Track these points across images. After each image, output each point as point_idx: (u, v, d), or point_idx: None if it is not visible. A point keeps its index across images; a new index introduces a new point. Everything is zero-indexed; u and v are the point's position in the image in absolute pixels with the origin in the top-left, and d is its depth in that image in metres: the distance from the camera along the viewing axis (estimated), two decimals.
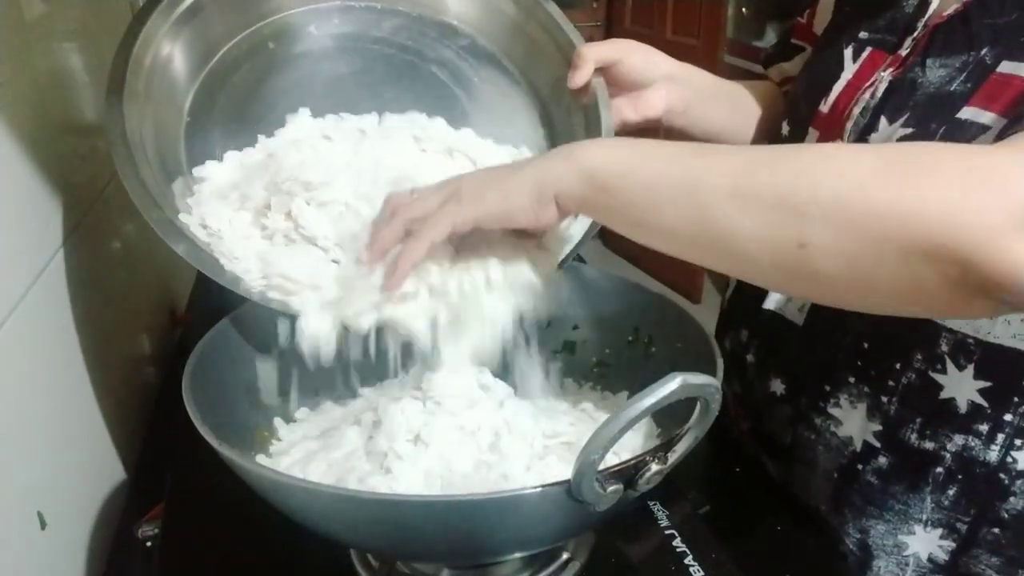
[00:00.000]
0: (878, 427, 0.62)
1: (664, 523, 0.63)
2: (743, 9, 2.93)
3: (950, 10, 0.59)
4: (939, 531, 0.61)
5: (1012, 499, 0.58)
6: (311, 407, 0.66)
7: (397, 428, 0.55)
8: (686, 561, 0.59)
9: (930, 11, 0.61)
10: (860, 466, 0.63)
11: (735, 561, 0.59)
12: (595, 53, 0.73)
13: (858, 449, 0.63)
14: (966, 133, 0.53)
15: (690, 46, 2.83)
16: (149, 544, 0.64)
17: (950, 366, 0.57)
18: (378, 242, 0.56)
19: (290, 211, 0.61)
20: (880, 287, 0.44)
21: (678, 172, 0.48)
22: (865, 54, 0.65)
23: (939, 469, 0.60)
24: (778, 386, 0.69)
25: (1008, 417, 0.56)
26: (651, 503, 0.64)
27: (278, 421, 0.64)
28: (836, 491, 0.66)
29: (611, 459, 0.44)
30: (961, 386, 0.57)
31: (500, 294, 0.58)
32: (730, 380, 0.76)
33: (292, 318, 0.59)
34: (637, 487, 0.46)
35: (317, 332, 0.57)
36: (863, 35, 0.66)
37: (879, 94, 0.61)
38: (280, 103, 0.70)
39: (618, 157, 0.50)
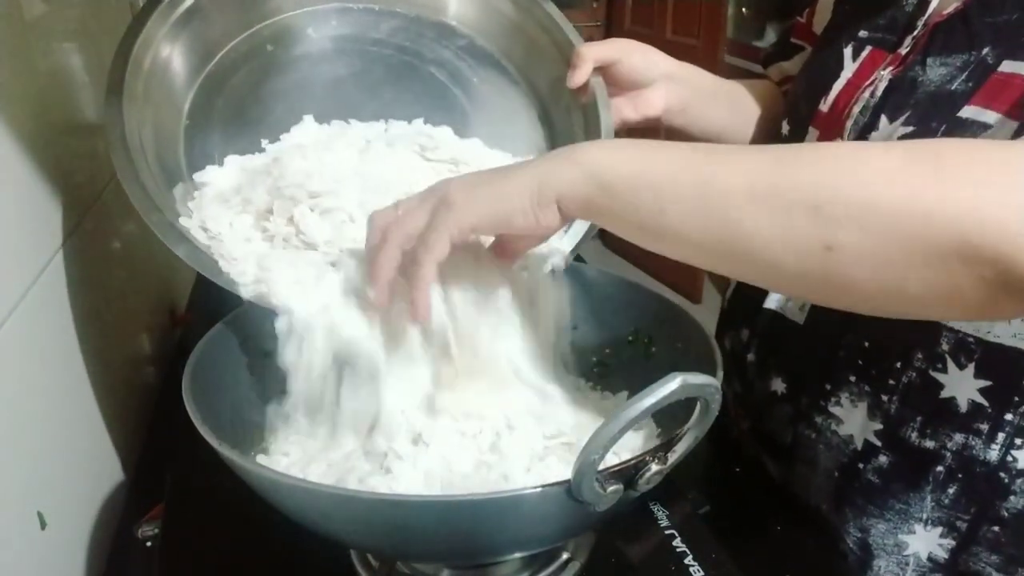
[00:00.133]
0: (879, 426, 0.62)
1: (664, 523, 0.63)
2: (743, 9, 2.93)
3: (950, 9, 0.59)
4: (939, 530, 0.61)
5: (1012, 498, 0.58)
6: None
7: (397, 428, 0.55)
8: (686, 561, 0.59)
9: (930, 10, 0.61)
10: (861, 465, 0.63)
11: (735, 561, 0.59)
12: (594, 52, 0.73)
13: (859, 448, 0.63)
14: (967, 132, 0.53)
15: (690, 46, 2.84)
16: (149, 544, 0.64)
17: (951, 365, 0.57)
18: (378, 274, 0.52)
19: (292, 216, 0.61)
20: (912, 289, 0.41)
21: (689, 173, 0.45)
22: (865, 53, 0.65)
23: (939, 468, 0.59)
24: (779, 385, 0.69)
25: (1008, 416, 0.56)
26: (651, 503, 0.64)
27: (278, 421, 0.63)
28: (837, 490, 0.66)
29: (611, 459, 0.44)
30: (962, 385, 0.57)
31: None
32: (730, 379, 0.76)
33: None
34: (637, 487, 0.46)
35: (304, 333, 0.56)
36: (863, 34, 0.66)
37: (879, 93, 0.61)
38: (279, 105, 0.70)
39: (623, 158, 0.47)
